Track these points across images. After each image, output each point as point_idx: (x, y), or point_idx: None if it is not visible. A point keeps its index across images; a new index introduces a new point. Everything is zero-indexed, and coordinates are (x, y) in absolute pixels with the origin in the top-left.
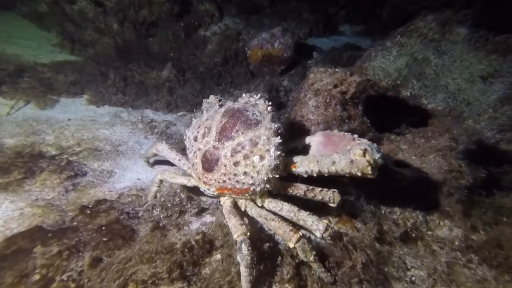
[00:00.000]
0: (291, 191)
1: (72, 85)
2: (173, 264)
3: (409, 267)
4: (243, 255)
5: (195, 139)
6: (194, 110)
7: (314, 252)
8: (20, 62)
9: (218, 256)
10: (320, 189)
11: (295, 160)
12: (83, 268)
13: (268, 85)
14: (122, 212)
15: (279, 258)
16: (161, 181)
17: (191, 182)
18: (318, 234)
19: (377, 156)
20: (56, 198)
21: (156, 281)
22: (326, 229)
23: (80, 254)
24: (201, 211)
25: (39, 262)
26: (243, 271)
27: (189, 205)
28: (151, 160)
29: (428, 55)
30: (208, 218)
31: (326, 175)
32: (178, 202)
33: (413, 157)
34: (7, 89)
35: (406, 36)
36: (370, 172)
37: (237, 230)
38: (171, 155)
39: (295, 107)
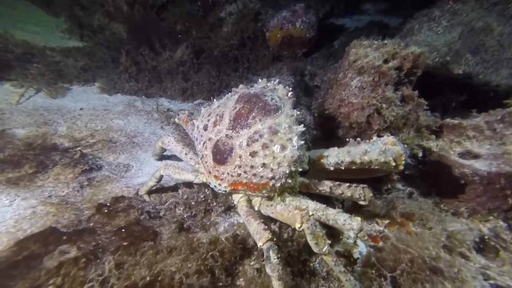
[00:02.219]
0: (314, 188)
1: (83, 72)
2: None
3: (497, 286)
4: (273, 265)
5: (205, 128)
6: (211, 97)
7: (329, 241)
8: (28, 45)
9: (253, 264)
10: (348, 184)
11: (321, 151)
12: (105, 276)
13: (291, 68)
14: (142, 211)
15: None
16: (161, 176)
17: (199, 178)
18: (352, 234)
19: (404, 146)
20: (70, 195)
21: None
22: (361, 228)
23: (99, 261)
24: (227, 209)
25: (53, 271)
26: (276, 285)
27: (214, 203)
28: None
29: (489, 23)
30: (236, 218)
31: (355, 167)
32: (203, 199)
33: (488, 146)
34: (16, 76)
35: (460, 1)
36: (403, 161)
37: (261, 236)
38: (177, 148)
39: (331, 90)
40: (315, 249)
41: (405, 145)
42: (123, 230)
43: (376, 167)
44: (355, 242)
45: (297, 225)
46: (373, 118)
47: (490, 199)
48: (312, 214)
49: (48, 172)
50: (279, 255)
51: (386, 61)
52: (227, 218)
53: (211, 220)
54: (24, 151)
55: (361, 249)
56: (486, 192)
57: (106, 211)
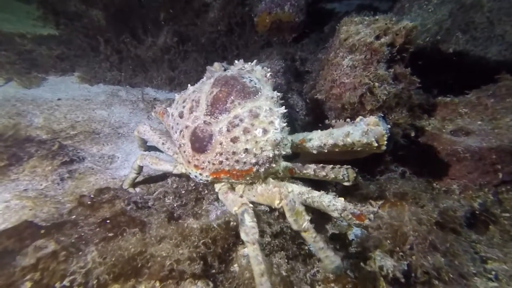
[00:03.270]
0: (298, 172)
1: (60, 61)
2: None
3: (486, 259)
4: (248, 228)
5: (181, 115)
6: None
7: (308, 217)
8: None
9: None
10: (331, 166)
11: (304, 135)
12: (89, 268)
13: (281, 53)
14: (129, 201)
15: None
16: (140, 167)
17: (178, 169)
18: (336, 214)
19: (388, 126)
20: (50, 188)
21: (178, 280)
22: (344, 208)
23: (81, 253)
24: (219, 198)
25: (29, 266)
26: (251, 250)
27: (206, 191)
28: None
29: None
30: None
31: (338, 149)
32: (193, 188)
33: (479, 122)
34: None
35: None
36: (385, 141)
37: (235, 202)
38: (154, 138)
39: (323, 72)
40: (294, 226)
41: (388, 125)
42: (108, 221)
43: (359, 149)
44: (349, 224)
45: (276, 202)
46: (365, 98)
47: (481, 174)
48: (291, 191)
49: (22, 164)
50: (254, 219)
51: (378, 37)
52: (219, 207)
53: (203, 208)
54: None
55: (355, 231)
56: (477, 168)
57: (89, 202)
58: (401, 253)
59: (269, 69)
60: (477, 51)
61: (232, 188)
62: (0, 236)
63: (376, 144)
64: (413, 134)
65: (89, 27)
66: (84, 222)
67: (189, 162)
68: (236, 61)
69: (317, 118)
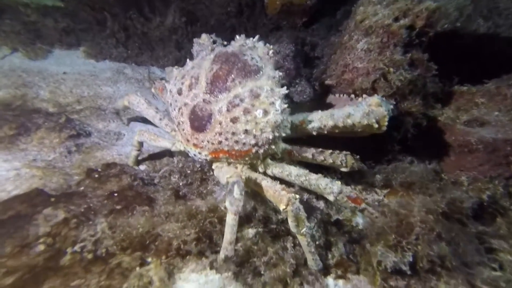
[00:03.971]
0: (297, 155)
1: (65, 34)
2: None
3: (491, 249)
4: (234, 199)
5: (179, 92)
6: None
7: (308, 224)
8: None
9: (251, 231)
10: (330, 151)
11: (304, 116)
12: (98, 237)
13: (292, 36)
14: (136, 177)
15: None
16: (140, 143)
17: (177, 146)
18: (331, 198)
19: (390, 106)
20: (58, 160)
21: (184, 255)
22: (340, 191)
23: (91, 222)
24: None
25: (42, 230)
26: (230, 219)
27: (211, 172)
28: (127, 116)
29: None
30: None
31: (338, 130)
32: (199, 168)
33: (496, 113)
34: None
35: None
36: (386, 123)
37: (229, 172)
38: (149, 112)
39: (334, 56)
40: (293, 230)
41: (391, 105)
42: (115, 194)
43: (359, 130)
44: (353, 211)
45: (282, 207)
46: (378, 84)
47: (493, 167)
48: (298, 198)
49: (30, 135)
50: (243, 193)
51: (396, 19)
52: (224, 188)
53: (208, 188)
54: (2, 111)
55: (359, 219)
56: (489, 160)
57: (96, 176)
58: (406, 244)
59: (271, 46)
60: (500, 39)
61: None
62: (13, 201)
63: (376, 126)
64: (424, 123)
65: (95, 0)
66: (92, 194)
67: (188, 140)
68: (237, 36)
69: (326, 105)
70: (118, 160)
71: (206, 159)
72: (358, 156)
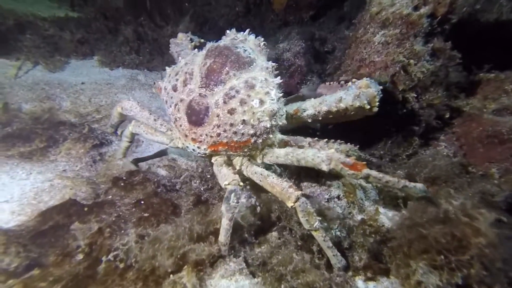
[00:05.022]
0: (293, 145)
1: (80, 44)
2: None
3: None
4: (230, 207)
5: (174, 88)
6: None
7: (319, 218)
8: (18, 16)
9: (274, 235)
10: (325, 140)
11: (298, 105)
12: (129, 246)
13: (301, 32)
14: (159, 184)
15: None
16: (133, 135)
17: (174, 143)
18: (324, 167)
19: (379, 87)
20: (84, 169)
21: (213, 261)
22: (330, 158)
23: (123, 231)
24: (244, 181)
25: (80, 240)
26: (225, 223)
27: None
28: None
29: None
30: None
31: (331, 115)
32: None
33: None
34: (10, 49)
35: None
36: (377, 103)
37: (228, 177)
38: (143, 114)
39: (349, 51)
40: (306, 226)
41: (380, 86)
42: (142, 202)
43: (352, 113)
44: (377, 209)
45: (290, 204)
46: (398, 77)
47: None
48: (304, 195)
49: (59, 146)
50: (239, 200)
51: (416, 8)
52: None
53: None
54: (32, 125)
55: (384, 214)
56: None
57: (122, 184)
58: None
59: (262, 39)
60: None
61: (230, 161)
62: (51, 212)
63: (368, 107)
64: (447, 115)
65: (106, 8)
66: (121, 202)
67: (186, 136)
68: (227, 31)
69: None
70: (139, 167)
71: (205, 153)
72: (358, 146)
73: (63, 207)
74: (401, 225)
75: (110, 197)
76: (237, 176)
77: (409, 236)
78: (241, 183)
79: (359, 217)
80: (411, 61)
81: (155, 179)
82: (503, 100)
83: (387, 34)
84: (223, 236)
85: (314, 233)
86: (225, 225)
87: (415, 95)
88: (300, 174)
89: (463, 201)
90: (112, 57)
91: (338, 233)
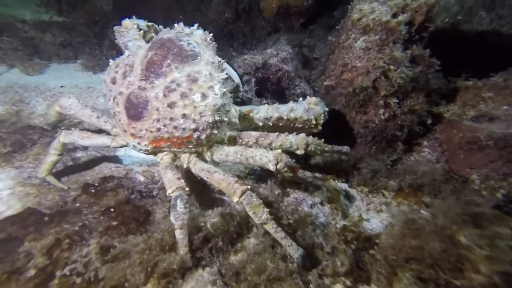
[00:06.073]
0: (240, 141)
1: (63, 48)
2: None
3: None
4: (178, 214)
5: (113, 81)
6: None
7: (267, 209)
8: None
9: (251, 241)
10: (276, 134)
11: (252, 107)
12: (90, 258)
13: (289, 39)
14: (133, 190)
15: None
16: (64, 146)
17: (117, 141)
18: (271, 167)
19: (326, 109)
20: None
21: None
22: (278, 159)
23: (85, 242)
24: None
25: (33, 253)
26: (178, 233)
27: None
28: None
29: None
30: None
31: (282, 123)
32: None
33: (505, 107)
34: None
35: None
36: (322, 120)
37: (172, 184)
38: (84, 111)
39: (333, 56)
40: (255, 219)
41: (326, 107)
42: (112, 209)
43: (300, 125)
44: (360, 215)
45: (236, 199)
46: (379, 83)
47: (506, 163)
48: (250, 188)
49: (26, 152)
50: (187, 206)
51: (395, 16)
52: (223, 195)
53: (209, 197)
54: None
55: (371, 224)
56: (501, 156)
57: (93, 191)
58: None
59: (210, 34)
60: (504, 31)
61: (176, 159)
62: (4, 223)
63: (314, 122)
64: (429, 121)
65: (93, 13)
66: (88, 210)
67: (125, 131)
68: (175, 25)
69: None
70: (116, 173)
71: (147, 150)
72: (322, 140)
73: (19, 217)
74: (391, 232)
75: (78, 204)
76: (181, 181)
77: (400, 244)
78: (187, 189)
79: (342, 223)
80: (391, 67)
81: (130, 185)
82: (481, 107)
83: (367, 40)
84: (181, 247)
85: (265, 227)
86: (178, 235)
87: (397, 101)
88: (283, 180)
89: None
90: (96, 61)
91: (321, 239)
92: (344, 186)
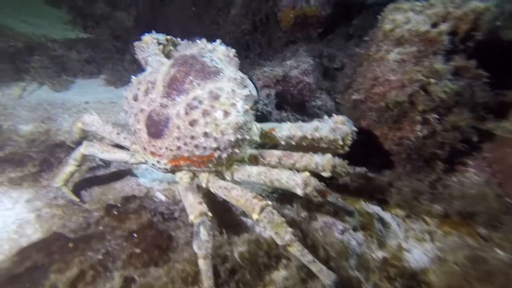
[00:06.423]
0: (262, 160)
1: (87, 64)
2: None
3: None
4: (202, 243)
5: (135, 98)
6: None
7: (290, 229)
8: (29, 38)
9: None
10: (300, 153)
11: (274, 125)
12: None
13: (309, 49)
14: (155, 212)
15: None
16: (84, 157)
17: (136, 158)
18: (299, 191)
19: (354, 128)
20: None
21: None
22: (306, 183)
23: (108, 273)
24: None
25: (58, 287)
26: (202, 264)
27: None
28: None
29: None
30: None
31: (305, 143)
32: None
33: None
34: (18, 70)
35: None
36: (349, 141)
37: (194, 209)
38: (105, 128)
39: (361, 69)
40: (278, 241)
41: (354, 126)
42: (134, 234)
43: (324, 145)
44: (399, 245)
45: (255, 216)
46: (417, 97)
47: None
48: (270, 204)
49: (53, 170)
50: (210, 233)
51: (435, 25)
52: (248, 218)
53: (234, 220)
54: (27, 148)
55: (413, 256)
56: None
57: (116, 213)
58: None
59: (233, 49)
60: None
61: (194, 178)
62: (30, 249)
63: (341, 143)
64: (475, 139)
65: (115, 29)
66: (111, 236)
67: (145, 148)
68: (197, 40)
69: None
70: (137, 191)
71: (166, 169)
72: (346, 161)
73: (45, 243)
74: (445, 270)
75: (101, 228)
76: (203, 206)
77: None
78: (210, 214)
79: (379, 254)
80: (431, 80)
81: (152, 206)
82: None
83: (402, 52)
84: (205, 279)
85: (289, 249)
86: (202, 266)
87: (437, 116)
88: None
89: None
90: (118, 76)
91: (357, 272)
92: (377, 209)
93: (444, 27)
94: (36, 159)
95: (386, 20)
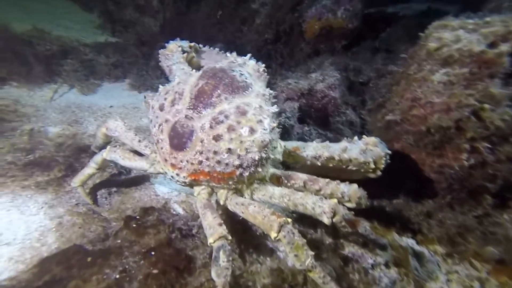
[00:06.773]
0: (286, 182)
1: (114, 68)
2: None
3: None
4: (221, 269)
5: (161, 107)
6: None
7: (312, 252)
8: (64, 42)
9: None
10: (327, 180)
11: (299, 144)
12: None
13: (335, 62)
14: (173, 228)
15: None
16: (105, 162)
17: (156, 168)
18: (325, 220)
19: (387, 151)
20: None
21: None
22: (334, 211)
23: None
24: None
25: None
26: None
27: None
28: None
29: None
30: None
31: (332, 164)
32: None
33: None
34: (53, 73)
35: None
36: (383, 165)
37: (213, 231)
38: (128, 135)
39: (397, 88)
40: (297, 264)
41: (387, 149)
42: (152, 253)
43: (354, 168)
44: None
45: (273, 234)
46: (466, 123)
47: None
48: (290, 222)
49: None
50: (230, 259)
51: (492, 45)
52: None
53: (256, 244)
54: (55, 152)
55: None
56: None
57: (134, 225)
58: None
59: (263, 64)
60: None
61: (212, 193)
62: (50, 261)
63: (373, 166)
64: None
65: (142, 34)
66: (129, 251)
67: (165, 160)
68: (228, 54)
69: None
70: (155, 202)
71: (185, 182)
72: (365, 193)
73: (65, 255)
74: None
75: (119, 241)
76: (223, 228)
77: None
78: (229, 237)
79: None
80: (486, 105)
81: (170, 221)
82: None
83: (451, 73)
84: None
85: (310, 275)
86: None
87: (489, 145)
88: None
89: None
90: (142, 81)
91: None
92: (411, 242)
93: (505, 47)
94: (62, 163)
95: (431, 38)
